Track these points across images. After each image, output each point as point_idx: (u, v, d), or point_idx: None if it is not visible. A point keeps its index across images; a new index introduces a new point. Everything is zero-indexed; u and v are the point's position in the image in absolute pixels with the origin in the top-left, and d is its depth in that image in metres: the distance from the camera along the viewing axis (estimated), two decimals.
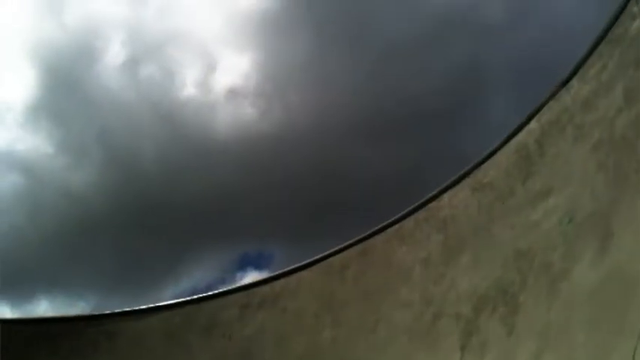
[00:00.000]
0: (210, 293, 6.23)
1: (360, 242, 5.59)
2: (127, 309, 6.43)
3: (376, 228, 5.51)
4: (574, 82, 4.22)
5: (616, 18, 4.07)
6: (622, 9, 4.02)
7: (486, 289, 4.20)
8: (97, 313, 6.48)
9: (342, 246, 5.71)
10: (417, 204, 5.31)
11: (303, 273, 5.85)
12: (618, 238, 3.24)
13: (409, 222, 5.26)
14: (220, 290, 6.22)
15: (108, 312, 6.31)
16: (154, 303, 6.48)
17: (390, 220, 5.42)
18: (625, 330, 2.90)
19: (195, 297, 6.29)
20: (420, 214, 5.20)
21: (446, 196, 5.09)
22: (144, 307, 6.31)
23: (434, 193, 5.23)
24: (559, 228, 3.77)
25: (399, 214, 5.38)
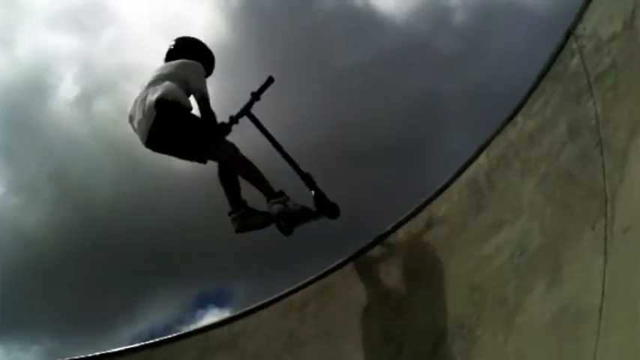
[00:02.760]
0: (167, 337, 6.09)
1: (319, 279, 5.57)
2: (79, 356, 6.24)
3: (334, 264, 5.51)
4: (519, 117, 4.35)
5: (557, 54, 4.22)
6: (562, 46, 4.17)
7: (444, 324, 4.23)
8: None
9: (300, 284, 5.67)
10: (373, 239, 5.34)
11: (262, 312, 5.79)
12: (568, 271, 3.33)
13: (367, 258, 5.28)
14: (177, 334, 6.10)
15: None
16: (110, 346, 6.32)
17: (347, 257, 5.42)
18: None
19: (151, 341, 6.14)
20: (377, 250, 5.22)
21: (401, 231, 5.14)
22: (96, 354, 6.13)
23: (390, 228, 5.27)
24: (511, 261, 3.84)
25: (357, 250, 5.39)
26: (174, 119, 4.69)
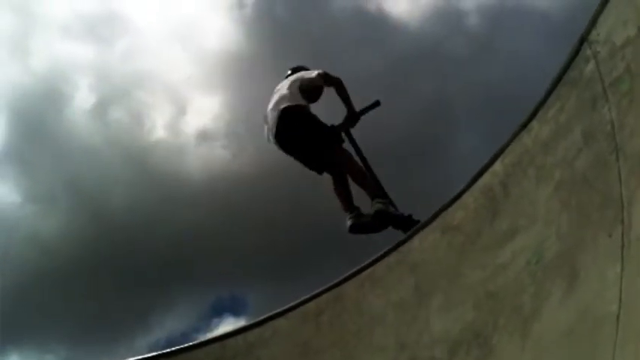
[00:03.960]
0: (183, 346, 6.12)
1: (333, 288, 5.57)
2: None
3: (349, 273, 5.50)
4: (534, 123, 4.33)
5: (571, 60, 4.20)
6: (577, 51, 4.15)
7: (460, 332, 4.20)
8: None
9: (315, 292, 5.67)
10: (388, 248, 5.34)
11: (277, 321, 5.79)
12: (584, 278, 3.30)
13: (381, 266, 5.26)
14: (193, 343, 6.12)
15: None
16: (126, 355, 6.36)
17: (362, 265, 5.42)
18: None
19: (167, 350, 6.17)
20: (392, 258, 5.21)
21: (416, 239, 5.12)
22: None
23: (404, 236, 5.27)
24: (527, 268, 3.82)
25: (371, 259, 5.38)
26: (299, 120, 5.67)
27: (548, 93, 4.31)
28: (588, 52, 4.01)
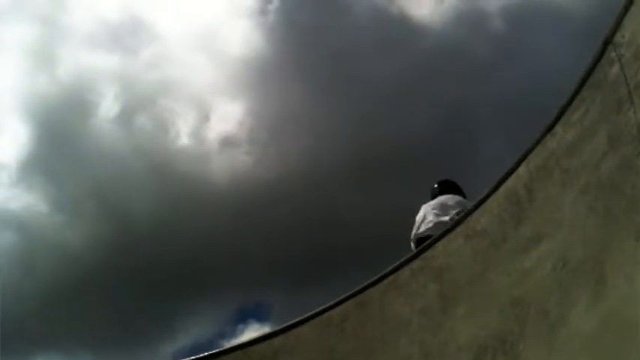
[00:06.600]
0: (207, 353, 6.15)
1: (357, 294, 5.55)
2: None
3: (372, 279, 5.48)
4: (558, 127, 4.28)
5: (595, 63, 4.15)
6: (601, 54, 4.11)
7: (485, 339, 4.16)
8: None
9: (339, 299, 5.66)
10: (412, 253, 5.31)
11: (302, 328, 5.79)
12: (612, 283, 3.25)
13: (405, 272, 5.23)
14: (218, 350, 6.15)
15: None
16: None
17: (385, 271, 5.39)
18: None
19: (192, 358, 6.20)
20: (416, 264, 5.18)
21: (440, 245, 5.08)
22: None
23: (428, 241, 5.24)
24: (553, 274, 3.77)
25: (395, 265, 5.36)
26: None
27: (573, 96, 4.26)
28: (613, 54, 3.96)
